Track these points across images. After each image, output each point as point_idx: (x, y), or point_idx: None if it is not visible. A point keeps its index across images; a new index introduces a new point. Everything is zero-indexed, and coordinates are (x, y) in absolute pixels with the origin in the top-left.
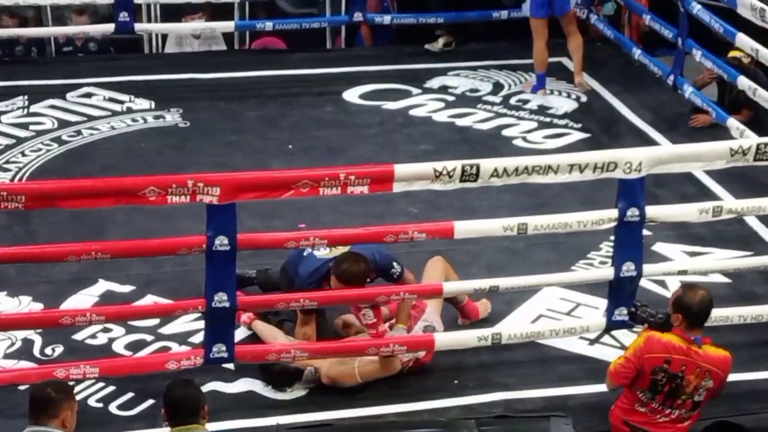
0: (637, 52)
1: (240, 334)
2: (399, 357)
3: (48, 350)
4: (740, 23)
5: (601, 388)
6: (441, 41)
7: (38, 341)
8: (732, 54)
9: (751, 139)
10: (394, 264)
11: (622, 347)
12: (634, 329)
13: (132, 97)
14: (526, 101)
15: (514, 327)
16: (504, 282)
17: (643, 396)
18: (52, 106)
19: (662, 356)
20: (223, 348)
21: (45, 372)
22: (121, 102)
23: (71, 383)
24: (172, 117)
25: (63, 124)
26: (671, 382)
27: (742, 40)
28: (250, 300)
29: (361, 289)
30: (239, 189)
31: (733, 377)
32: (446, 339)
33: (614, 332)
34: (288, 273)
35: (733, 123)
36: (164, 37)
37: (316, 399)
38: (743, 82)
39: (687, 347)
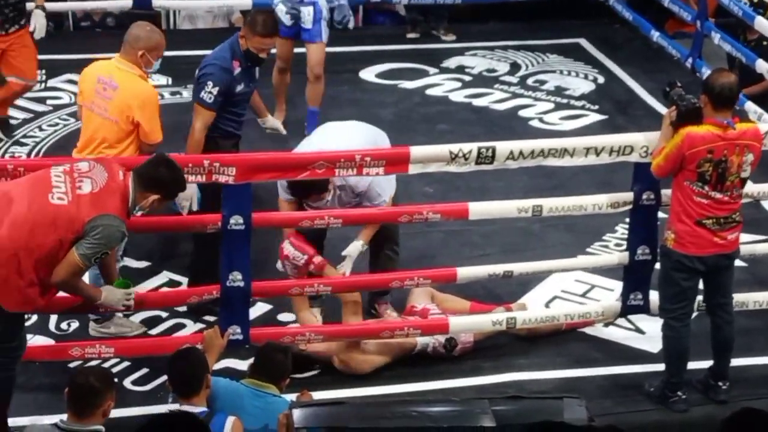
0: (655, 35)
1: (254, 312)
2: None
3: (63, 325)
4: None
5: (615, 370)
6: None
7: (54, 316)
8: None
9: (766, 124)
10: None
11: (637, 330)
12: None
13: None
14: (543, 82)
15: (529, 312)
16: (519, 267)
17: (696, 186)
18: (70, 81)
19: (705, 148)
20: (239, 330)
21: (59, 348)
22: None
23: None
24: (189, 93)
25: None
26: (717, 168)
27: (761, 23)
28: (264, 284)
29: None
30: (255, 169)
31: (748, 362)
32: (461, 323)
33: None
34: None
35: (750, 107)
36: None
37: (329, 377)
38: (762, 66)
39: (723, 133)
